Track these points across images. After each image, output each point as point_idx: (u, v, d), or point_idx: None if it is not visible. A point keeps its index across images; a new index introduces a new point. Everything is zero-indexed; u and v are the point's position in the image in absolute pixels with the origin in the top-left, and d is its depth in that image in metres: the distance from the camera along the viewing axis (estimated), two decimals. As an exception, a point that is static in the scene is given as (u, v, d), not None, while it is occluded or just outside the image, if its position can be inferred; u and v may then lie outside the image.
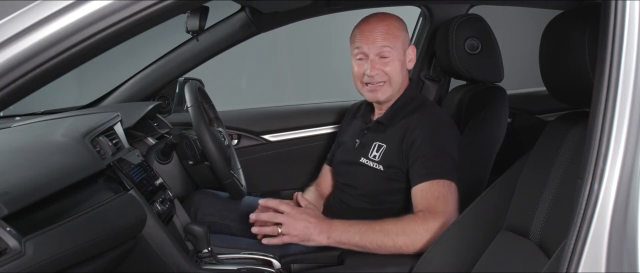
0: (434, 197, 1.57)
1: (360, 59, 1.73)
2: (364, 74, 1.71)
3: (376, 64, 1.70)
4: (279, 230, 1.58)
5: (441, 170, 1.60)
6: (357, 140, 1.82)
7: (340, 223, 1.57)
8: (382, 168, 1.70)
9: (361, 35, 1.72)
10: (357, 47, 1.72)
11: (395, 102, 1.77)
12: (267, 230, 1.59)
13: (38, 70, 0.87)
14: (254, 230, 1.62)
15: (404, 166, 1.67)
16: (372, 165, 1.72)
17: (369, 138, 1.78)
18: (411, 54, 1.77)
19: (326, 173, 2.02)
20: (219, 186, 1.93)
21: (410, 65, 1.78)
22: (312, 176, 2.09)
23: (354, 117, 1.96)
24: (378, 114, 1.82)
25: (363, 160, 1.75)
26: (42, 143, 1.52)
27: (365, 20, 1.75)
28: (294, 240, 1.57)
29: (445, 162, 1.62)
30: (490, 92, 2.02)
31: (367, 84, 1.72)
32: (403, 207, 1.71)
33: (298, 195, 1.70)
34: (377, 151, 1.73)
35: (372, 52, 1.70)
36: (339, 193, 1.87)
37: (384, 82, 1.71)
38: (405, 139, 1.67)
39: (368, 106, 1.88)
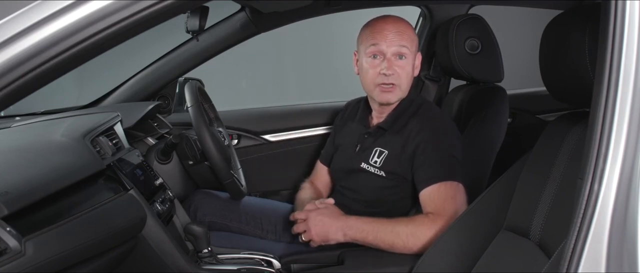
0: (442, 199, 1.58)
1: (374, 57, 1.69)
2: (378, 73, 1.68)
3: (393, 63, 1.67)
4: (302, 238, 1.67)
5: (446, 172, 1.60)
6: (358, 145, 1.81)
7: (355, 221, 1.63)
8: (384, 175, 1.70)
9: (378, 33, 1.68)
10: (373, 45, 1.67)
11: (397, 106, 1.76)
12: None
13: (38, 70, 0.87)
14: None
15: (406, 173, 1.67)
16: (373, 171, 1.72)
17: (370, 143, 1.76)
18: (417, 61, 1.76)
19: (322, 171, 2.02)
20: (219, 186, 1.93)
21: (417, 72, 1.77)
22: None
23: (350, 119, 1.93)
24: (377, 117, 1.81)
25: (364, 165, 1.74)
26: (42, 143, 1.52)
27: (380, 19, 1.72)
28: (318, 242, 1.65)
29: (449, 164, 1.62)
30: (490, 92, 2.02)
31: (380, 84, 1.69)
32: (403, 213, 1.71)
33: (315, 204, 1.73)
34: (378, 157, 1.72)
35: (390, 51, 1.67)
36: (338, 197, 1.85)
37: (397, 84, 1.69)
38: (407, 145, 1.66)
39: (366, 109, 1.86)
